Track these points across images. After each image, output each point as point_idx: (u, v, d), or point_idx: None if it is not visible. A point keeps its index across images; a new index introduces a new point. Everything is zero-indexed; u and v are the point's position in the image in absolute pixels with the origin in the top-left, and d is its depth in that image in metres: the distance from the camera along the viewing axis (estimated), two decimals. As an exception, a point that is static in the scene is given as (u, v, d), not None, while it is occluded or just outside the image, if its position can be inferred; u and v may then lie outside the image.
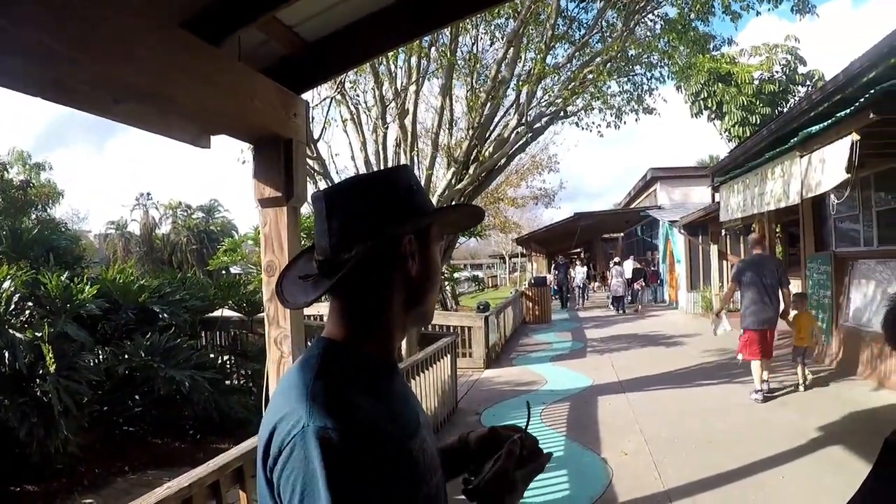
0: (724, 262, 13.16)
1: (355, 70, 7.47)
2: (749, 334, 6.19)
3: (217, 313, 8.21)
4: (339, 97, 8.19)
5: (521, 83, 8.45)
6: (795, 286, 8.09)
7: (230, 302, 8.12)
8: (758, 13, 8.63)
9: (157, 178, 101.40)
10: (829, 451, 4.51)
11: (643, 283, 17.92)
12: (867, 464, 4.52)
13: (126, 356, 5.85)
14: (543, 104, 8.92)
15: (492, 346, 9.63)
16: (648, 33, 9.55)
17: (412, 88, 8.05)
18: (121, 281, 6.75)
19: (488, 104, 8.23)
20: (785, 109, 15.06)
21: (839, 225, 7.79)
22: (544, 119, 9.18)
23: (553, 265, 21.87)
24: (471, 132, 8.23)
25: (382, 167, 7.57)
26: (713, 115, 18.75)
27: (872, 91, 4.60)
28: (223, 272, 22.20)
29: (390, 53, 7.32)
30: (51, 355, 4.90)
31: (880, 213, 6.81)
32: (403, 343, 6.64)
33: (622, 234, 26.85)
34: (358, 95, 8.64)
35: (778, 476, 4.14)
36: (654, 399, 6.59)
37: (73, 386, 5.03)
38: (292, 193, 2.21)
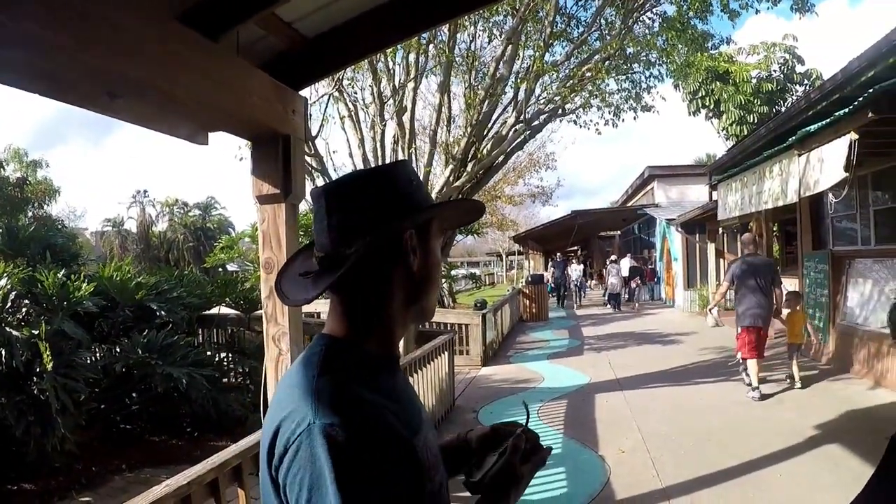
0: (722, 260, 13.19)
1: (353, 67, 7.45)
2: (745, 332, 6.24)
3: (214, 310, 8.18)
4: (336, 94, 8.16)
5: (519, 81, 8.44)
6: (793, 285, 8.14)
7: (227, 299, 8.09)
8: (757, 11, 8.64)
9: (154, 175, 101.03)
10: (826, 450, 4.52)
11: (639, 281, 17.95)
12: (864, 462, 4.52)
13: (123, 353, 5.83)
14: (542, 102, 8.91)
15: (489, 343, 9.64)
16: (647, 31, 9.55)
17: (410, 85, 8.03)
18: (118, 278, 6.72)
19: (486, 102, 8.22)
20: (783, 108, 15.08)
21: (836, 224, 7.80)
22: (543, 117, 9.17)
23: (550, 263, 21.88)
24: (469, 130, 8.21)
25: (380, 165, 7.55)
26: (711, 114, 18.79)
27: (871, 90, 4.60)
28: (220, 269, 22.17)
29: (389, 50, 7.31)
30: (48, 353, 4.87)
31: (878, 212, 6.82)
32: (401, 340, 6.63)
33: (619, 232, 26.88)
34: (356, 92, 8.62)
35: (775, 474, 4.15)
36: (652, 397, 6.60)
37: (71, 384, 5.01)
38: (290, 190, 2.20)
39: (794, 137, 6.00)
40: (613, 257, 18.57)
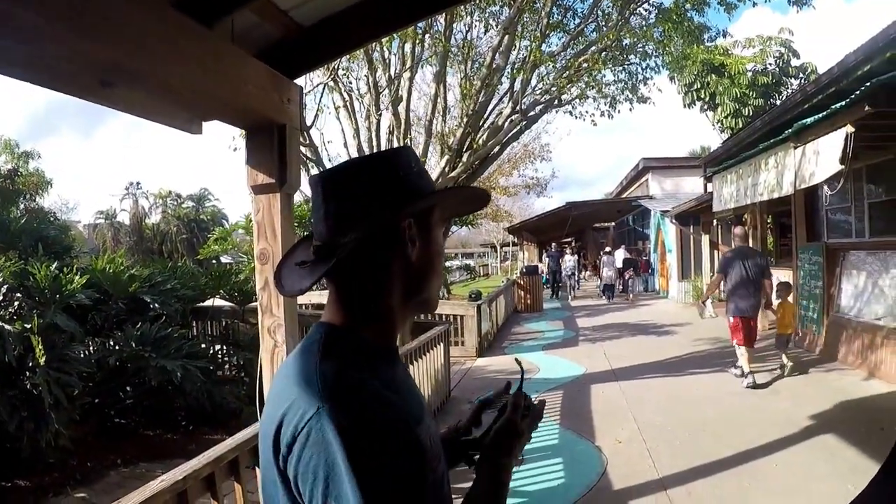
0: (716, 251, 13.23)
1: (349, 56, 7.39)
2: (736, 321, 6.39)
3: (208, 303, 8.15)
4: (332, 84, 8.10)
5: (515, 71, 8.39)
6: (787, 276, 8.19)
7: (221, 291, 8.07)
8: (754, 4, 8.58)
9: (147, 167, 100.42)
10: (821, 439, 4.55)
11: (634, 273, 18.00)
12: (859, 452, 4.54)
13: (117, 347, 5.80)
14: (538, 92, 8.87)
15: (484, 334, 9.64)
16: (643, 23, 9.51)
17: (406, 75, 7.97)
18: (111, 271, 6.67)
19: (483, 92, 8.18)
20: (778, 102, 15.09)
21: (831, 216, 7.83)
22: (538, 107, 9.14)
23: (545, 254, 21.89)
24: (465, 120, 8.18)
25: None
26: (706, 106, 18.76)
27: (868, 84, 4.60)
28: (214, 261, 22.04)
29: (384, 40, 7.24)
30: (40, 347, 4.83)
31: (872, 205, 6.85)
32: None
33: (613, 224, 26.91)
34: (351, 82, 8.56)
35: (771, 464, 4.17)
36: (647, 387, 6.62)
37: (64, 378, 4.97)
38: (286, 180, 2.17)
39: (790, 130, 6.00)
40: (608, 248, 18.58)
